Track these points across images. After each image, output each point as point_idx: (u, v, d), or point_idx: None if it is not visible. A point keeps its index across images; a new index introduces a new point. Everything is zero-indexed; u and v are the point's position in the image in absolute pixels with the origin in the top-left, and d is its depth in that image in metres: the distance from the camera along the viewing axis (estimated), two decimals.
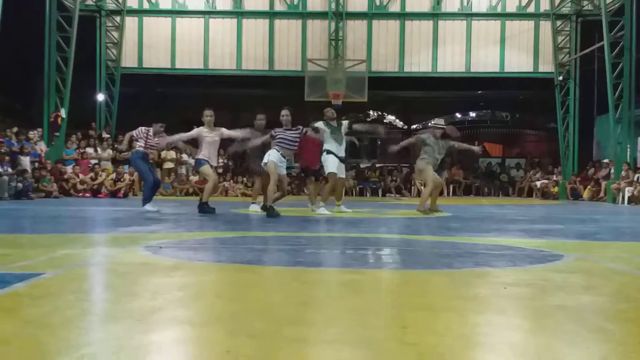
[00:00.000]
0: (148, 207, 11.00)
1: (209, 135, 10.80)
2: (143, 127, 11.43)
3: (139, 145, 11.46)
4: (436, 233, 7.43)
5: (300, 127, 10.41)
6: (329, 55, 23.07)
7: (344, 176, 12.23)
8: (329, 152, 11.36)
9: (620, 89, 19.36)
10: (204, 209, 10.50)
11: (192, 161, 19.41)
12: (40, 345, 2.29)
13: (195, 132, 10.99)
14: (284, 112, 10.35)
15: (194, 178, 20.14)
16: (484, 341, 2.51)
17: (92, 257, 4.80)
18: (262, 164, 10.36)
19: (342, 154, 11.63)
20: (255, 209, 11.45)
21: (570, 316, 2.89)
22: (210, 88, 27.96)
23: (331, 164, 11.34)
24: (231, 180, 22.31)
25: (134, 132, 11.47)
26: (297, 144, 10.33)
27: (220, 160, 21.84)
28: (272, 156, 10.00)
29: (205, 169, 10.83)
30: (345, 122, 11.95)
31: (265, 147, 10.66)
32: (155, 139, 11.43)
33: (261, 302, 3.13)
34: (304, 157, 12.16)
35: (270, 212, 9.76)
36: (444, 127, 11.78)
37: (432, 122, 12.04)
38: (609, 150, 21.21)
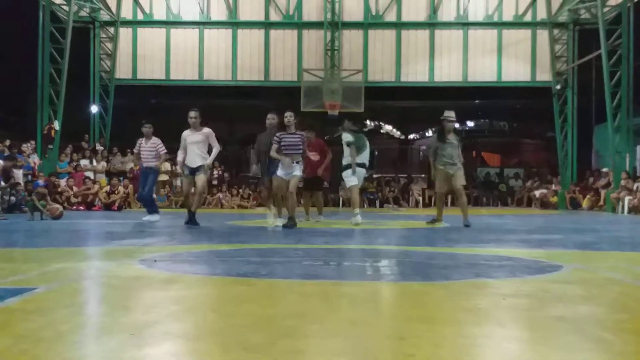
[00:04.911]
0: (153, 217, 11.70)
1: (189, 136, 10.59)
2: (148, 144, 11.88)
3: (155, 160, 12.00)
4: (435, 244, 7.40)
5: (302, 134, 10.20)
6: (324, 66, 23.05)
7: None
8: (356, 165, 11.01)
9: (618, 98, 19.31)
10: (190, 219, 10.38)
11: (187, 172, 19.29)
12: None
13: (182, 140, 10.70)
14: (289, 114, 10.10)
15: None
16: (482, 353, 2.47)
17: (86, 271, 4.77)
18: (275, 174, 10.18)
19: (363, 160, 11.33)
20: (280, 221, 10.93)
21: (569, 327, 2.87)
22: (206, 99, 27.95)
23: (352, 178, 11.15)
24: (227, 192, 22.18)
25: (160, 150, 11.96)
26: (301, 147, 10.06)
27: (215, 172, 21.81)
28: (279, 170, 9.99)
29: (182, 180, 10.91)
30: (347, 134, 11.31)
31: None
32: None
33: (256, 315, 3.09)
34: (308, 169, 11.89)
35: (289, 222, 9.84)
36: (454, 119, 11.14)
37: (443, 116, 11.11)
38: (607, 159, 21.17)
